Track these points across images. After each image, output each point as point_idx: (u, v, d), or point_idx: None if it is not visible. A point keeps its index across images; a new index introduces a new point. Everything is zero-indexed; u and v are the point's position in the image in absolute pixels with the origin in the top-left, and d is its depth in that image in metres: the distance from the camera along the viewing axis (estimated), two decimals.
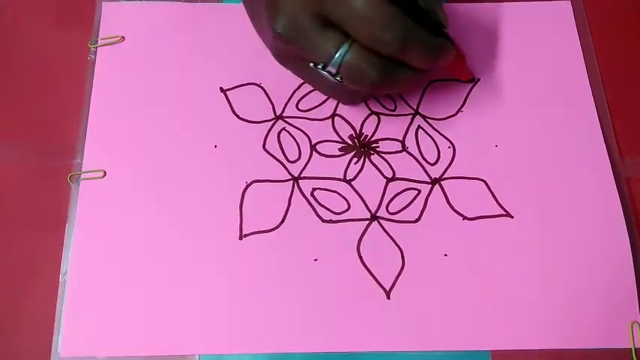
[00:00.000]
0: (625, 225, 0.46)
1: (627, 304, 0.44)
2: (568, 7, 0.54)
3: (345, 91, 0.46)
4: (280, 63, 0.46)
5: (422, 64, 0.40)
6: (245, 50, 0.53)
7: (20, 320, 0.44)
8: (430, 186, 0.48)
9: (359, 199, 0.47)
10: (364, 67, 0.39)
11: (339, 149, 0.49)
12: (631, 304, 0.44)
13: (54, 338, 0.43)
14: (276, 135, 0.50)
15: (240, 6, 0.54)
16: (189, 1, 0.55)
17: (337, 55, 0.39)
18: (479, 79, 0.52)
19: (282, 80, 0.51)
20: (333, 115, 0.50)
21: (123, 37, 0.53)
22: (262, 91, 0.51)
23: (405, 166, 0.49)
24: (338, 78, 0.41)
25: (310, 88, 0.51)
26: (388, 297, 0.44)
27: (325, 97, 0.51)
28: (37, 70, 0.52)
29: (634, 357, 0.42)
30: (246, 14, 0.49)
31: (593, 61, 0.52)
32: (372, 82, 0.40)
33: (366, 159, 0.49)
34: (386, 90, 0.43)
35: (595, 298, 0.44)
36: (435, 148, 0.49)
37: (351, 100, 0.49)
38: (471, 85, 0.51)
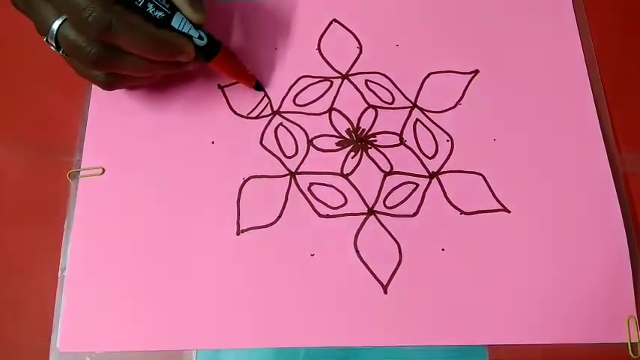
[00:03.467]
0: (622, 220, 0.46)
1: (623, 299, 0.44)
2: (567, 1, 0.54)
3: (96, 75, 0.45)
4: None
5: (140, 52, 0.42)
6: (242, 46, 0.53)
7: (19, 315, 0.45)
8: (428, 180, 0.48)
9: (356, 194, 0.47)
10: (80, 43, 0.40)
11: (336, 143, 0.49)
12: (627, 298, 0.44)
13: (53, 333, 0.44)
14: (273, 130, 0.50)
15: (237, 4, 0.54)
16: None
17: (52, 27, 0.41)
18: (263, 90, 0.51)
19: (279, 76, 0.52)
20: (330, 110, 0.50)
21: None
22: (259, 87, 0.51)
23: (402, 159, 0.49)
24: (61, 52, 0.43)
25: (307, 82, 0.51)
26: (385, 292, 0.44)
27: (323, 91, 0.51)
28: (37, 68, 0.52)
29: (630, 351, 0.42)
30: (242, 11, 0.50)
31: (592, 56, 0.52)
32: (90, 59, 0.41)
33: (364, 153, 0.49)
34: (110, 69, 0.43)
35: (591, 292, 0.44)
36: (433, 141, 0.49)
37: (109, 85, 0.46)
38: (470, 76, 0.51)
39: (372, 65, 0.52)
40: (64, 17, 0.41)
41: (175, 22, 0.43)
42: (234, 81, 0.51)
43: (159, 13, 0.42)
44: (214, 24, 0.52)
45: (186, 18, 0.44)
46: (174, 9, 0.43)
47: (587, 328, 0.43)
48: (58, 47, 0.42)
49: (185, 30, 0.44)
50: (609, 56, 0.52)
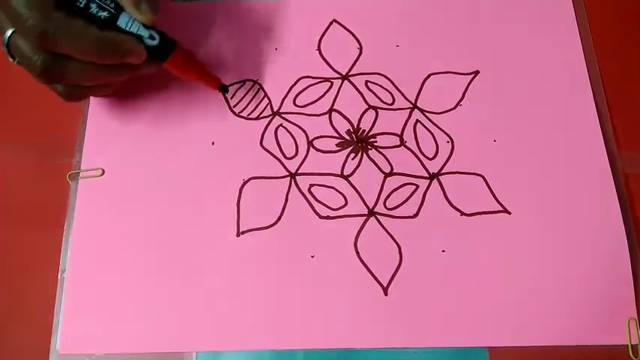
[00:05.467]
0: (622, 221, 0.46)
1: (624, 301, 0.44)
2: (568, 1, 0.54)
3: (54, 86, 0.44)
4: None
5: (85, 56, 0.41)
6: (242, 47, 0.53)
7: (19, 318, 0.45)
8: (428, 181, 0.48)
9: (356, 195, 0.47)
10: (28, 53, 0.40)
11: (337, 145, 0.49)
12: (627, 300, 0.44)
13: (53, 335, 0.44)
14: (273, 131, 0.50)
15: (237, 4, 0.54)
16: (185, 1, 0.55)
17: (5, 35, 0.41)
18: (227, 88, 0.50)
19: (279, 76, 0.52)
20: (330, 111, 0.50)
21: None
22: (259, 88, 0.51)
23: (403, 160, 0.49)
24: (16, 62, 0.42)
25: (307, 83, 0.51)
26: (386, 293, 0.44)
27: (323, 92, 0.51)
28: None
29: (630, 353, 0.42)
30: (242, 12, 0.49)
31: (592, 55, 0.52)
32: (37, 69, 0.41)
33: (364, 154, 0.49)
34: (59, 79, 0.42)
35: (592, 294, 0.44)
36: (434, 142, 0.49)
37: (68, 96, 0.45)
38: (471, 77, 0.51)
39: (372, 66, 0.52)
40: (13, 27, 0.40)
41: (122, 22, 0.42)
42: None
43: (103, 14, 0.41)
44: (213, 25, 0.53)
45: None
46: (119, 8, 0.42)
47: (588, 329, 0.43)
48: (13, 57, 0.42)
49: (133, 30, 0.42)
50: (609, 56, 0.52)
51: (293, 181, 0.48)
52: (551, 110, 0.50)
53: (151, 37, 0.43)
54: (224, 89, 0.49)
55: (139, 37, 0.43)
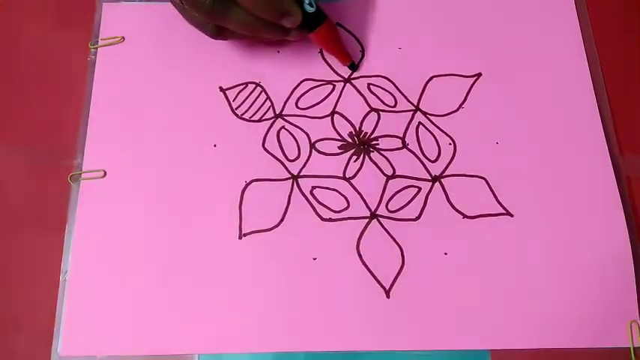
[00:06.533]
0: (625, 224, 0.46)
1: (626, 303, 0.44)
2: (570, 3, 0.54)
3: (206, 24, 0.47)
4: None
5: (251, 7, 0.44)
6: (244, 49, 0.52)
7: (20, 319, 0.45)
8: (430, 183, 0.48)
9: (359, 198, 0.47)
10: None
11: (339, 147, 0.49)
12: (630, 303, 0.44)
13: (54, 337, 0.44)
14: (275, 134, 0.50)
15: None
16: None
17: None
18: (357, 66, 0.52)
19: (282, 79, 0.52)
20: (332, 113, 0.50)
21: (123, 37, 0.53)
22: (262, 90, 0.51)
23: (405, 163, 0.49)
24: (179, 0, 0.45)
25: (310, 85, 0.51)
26: (388, 296, 0.44)
27: (325, 95, 0.51)
28: (38, 71, 0.52)
29: (633, 356, 0.42)
30: None
31: (595, 59, 0.52)
32: (205, 8, 0.43)
33: (366, 156, 0.49)
34: (220, 20, 0.45)
35: (594, 297, 0.44)
36: (436, 144, 0.49)
37: (216, 34, 0.48)
38: (473, 79, 0.51)
39: (374, 68, 0.52)
40: None
41: None
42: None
43: None
44: None
45: None
46: None
47: (590, 332, 0.43)
48: None
49: None
50: (612, 59, 0.52)
51: (295, 184, 0.48)
52: (553, 113, 0.50)
53: (310, 4, 0.46)
54: (353, 67, 0.52)
55: (300, 1, 0.46)
